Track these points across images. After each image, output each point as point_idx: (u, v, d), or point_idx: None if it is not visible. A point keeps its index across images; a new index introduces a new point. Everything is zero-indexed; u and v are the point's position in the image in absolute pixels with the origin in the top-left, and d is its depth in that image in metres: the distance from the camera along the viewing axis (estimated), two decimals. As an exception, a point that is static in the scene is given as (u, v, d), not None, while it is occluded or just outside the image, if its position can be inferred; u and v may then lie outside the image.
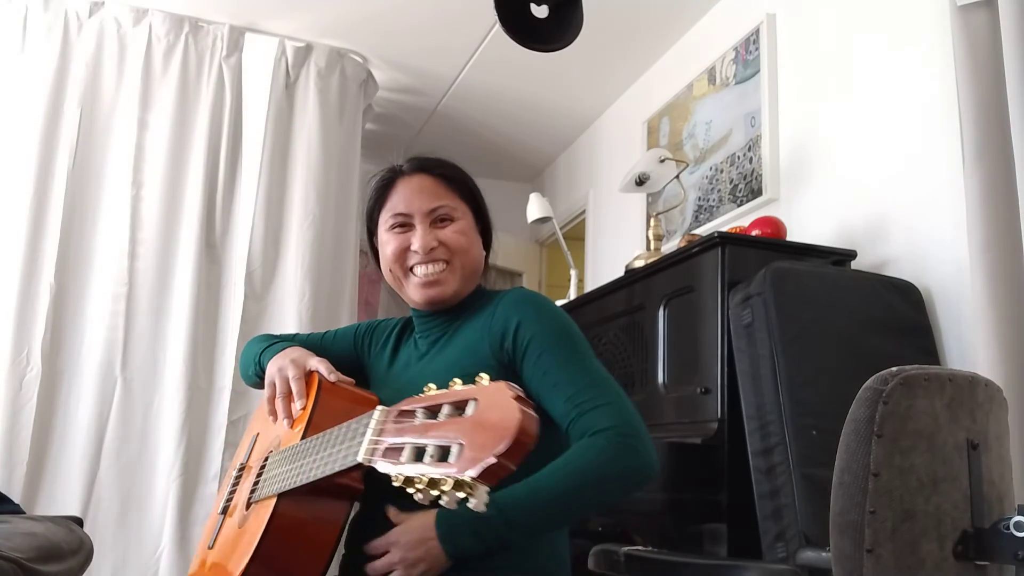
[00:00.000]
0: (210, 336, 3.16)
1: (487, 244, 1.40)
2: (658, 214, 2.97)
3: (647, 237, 2.79)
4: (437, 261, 1.28)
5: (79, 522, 1.71)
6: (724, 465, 1.81)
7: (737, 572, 1.53)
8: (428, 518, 1.09)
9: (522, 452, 0.68)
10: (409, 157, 1.38)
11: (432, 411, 0.80)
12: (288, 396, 1.29)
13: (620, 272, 2.58)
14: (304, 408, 1.25)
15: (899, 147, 2.15)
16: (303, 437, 1.16)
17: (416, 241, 1.28)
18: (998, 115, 1.71)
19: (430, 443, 0.75)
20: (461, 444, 0.71)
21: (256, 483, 1.26)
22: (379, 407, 0.91)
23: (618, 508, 1.78)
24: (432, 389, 0.83)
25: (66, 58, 3.15)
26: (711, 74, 3.03)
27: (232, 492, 1.38)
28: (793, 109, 2.60)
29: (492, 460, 0.67)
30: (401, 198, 1.31)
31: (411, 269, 1.30)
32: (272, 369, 1.33)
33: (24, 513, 1.77)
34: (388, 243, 1.31)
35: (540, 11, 1.96)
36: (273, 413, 1.32)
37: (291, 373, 1.29)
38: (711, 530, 1.82)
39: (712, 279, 1.96)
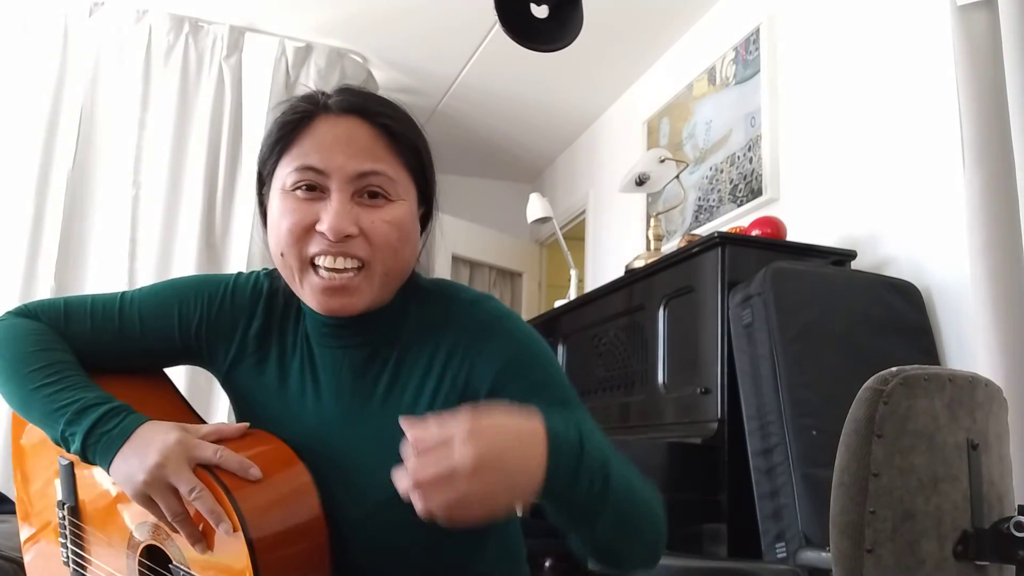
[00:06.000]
0: (210, 336, 3.16)
1: (423, 231, 0.99)
2: (658, 214, 2.97)
3: (647, 237, 2.79)
4: (349, 257, 0.87)
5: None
6: (724, 465, 1.81)
7: (737, 572, 1.53)
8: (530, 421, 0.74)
9: None
10: (340, 87, 0.93)
11: None
12: (188, 518, 0.84)
13: (620, 272, 2.58)
14: (234, 528, 0.82)
15: (899, 147, 2.15)
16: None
17: (327, 218, 0.85)
18: (998, 115, 1.71)
19: None
20: None
21: None
22: None
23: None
24: None
25: (66, 58, 3.16)
26: (711, 74, 3.03)
27: (78, 547, 1.03)
28: (793, 109, 2.60)
29: None
30: (316, 145, 0.87)
31: (312, 261, 0.88)
32: (137, 478, 0.82)
33: (24, 513, 1.76)
34: (284, 215, 0.87)
35: (540, 11, 1.96)
36: (176, 533, 0.87)
37: (183, 486, 0.82)
38: (711, 530, 1.82)
39: (712, 279, 1.96)
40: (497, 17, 1.92)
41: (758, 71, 2.72)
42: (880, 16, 2.27)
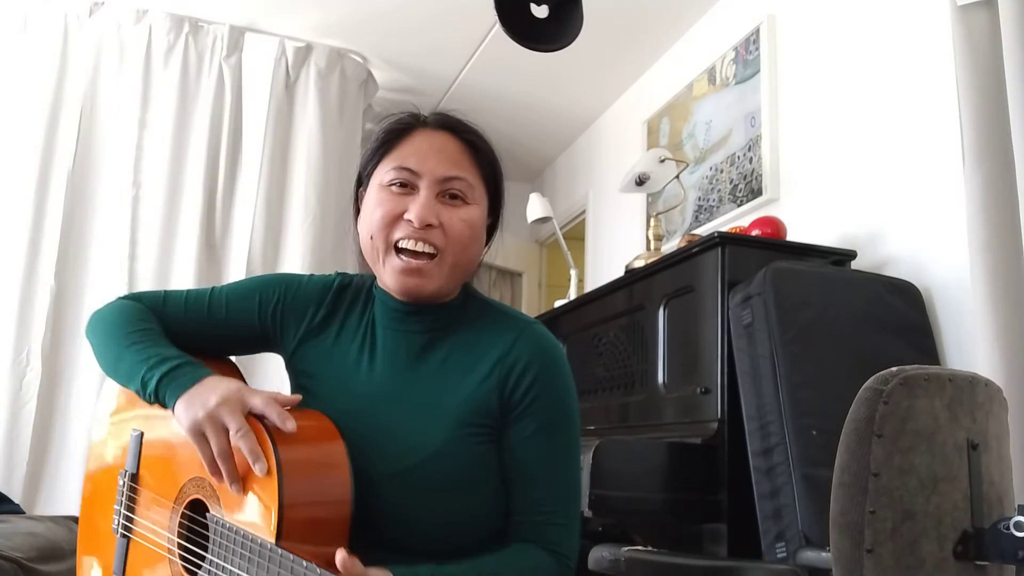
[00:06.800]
0: (210, 336, 3.16)
1: (488, 240, 1.17)
2: (658, 214, 2.97)
3: (647, 237, 2.79)
4: (428, 243, 1.04)
5: (79, 522, 1.71)
6: (724, 465, 1.81)
7: (737, 572, 1.53)
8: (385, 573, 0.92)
9: None
10: (436, 110, 1.14)
11: None
12: (231, 457, 0.96)
13: (620, 272, 2.58)
14: (268, 471, 0.92)
15: (899, 147, 2.15)
16: (278, 535, 0.88)
17: (415, 208, 1.03)
18: (998, 115, 1.71)
19: None
20: None
21: (188, 545, 1.03)
22: None
23: (618, 508, 1.78)
24: None
25: (66, 58, 3.16)
26: (711, 74, 3.03)
27: (130, 512, 1.14)
28: (793, 109, 2.60)
29: None
30: (413, 151, 1.07)
31: (396, 245, 1.05)
32: (197, 414, 0.96)
33: (24, 513, 1.77)
34: (379, 204, 1.06)
35: (540, 11, 1.96)
36: (216, 474, 0.97)
37: (233, 425, 0.95)
38: (711, 530, 1.82)
39: (712, 279, 1.96)
40: (497, 17, 1.92)
41: (758, 71, 2.72)
42: (880, 16, 2.27)
